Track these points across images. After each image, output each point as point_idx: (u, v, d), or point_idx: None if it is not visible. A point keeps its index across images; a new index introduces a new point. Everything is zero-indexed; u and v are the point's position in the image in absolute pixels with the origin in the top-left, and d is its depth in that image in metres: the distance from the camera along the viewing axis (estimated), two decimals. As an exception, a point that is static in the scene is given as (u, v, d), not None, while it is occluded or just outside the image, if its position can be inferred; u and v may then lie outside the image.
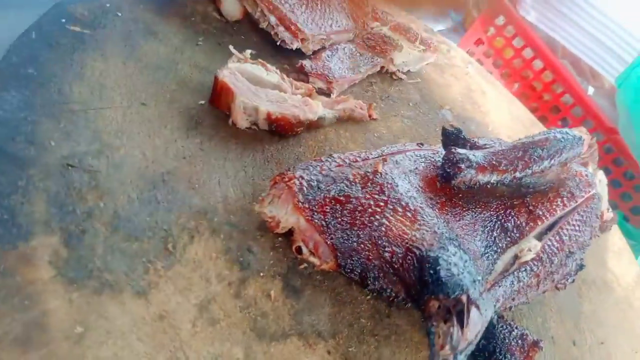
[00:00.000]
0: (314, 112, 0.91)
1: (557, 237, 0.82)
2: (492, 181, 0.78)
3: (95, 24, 0.88)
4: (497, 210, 0.80)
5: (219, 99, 0.87)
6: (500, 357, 0.72)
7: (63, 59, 0.81)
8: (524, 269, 0.78)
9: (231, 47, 0.91)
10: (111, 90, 0.81)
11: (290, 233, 0.75)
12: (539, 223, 0.80)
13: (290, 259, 0.75)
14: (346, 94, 1.05)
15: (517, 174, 0.80)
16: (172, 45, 0.94)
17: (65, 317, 0.58)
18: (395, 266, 0.70)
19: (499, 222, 0.79)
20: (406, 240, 0.70)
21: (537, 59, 1.75)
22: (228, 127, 0.86)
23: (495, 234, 0.78)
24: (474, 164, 0.76)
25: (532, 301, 0.85)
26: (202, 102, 0.88)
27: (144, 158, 0.76)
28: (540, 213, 0.81)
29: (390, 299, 0.74)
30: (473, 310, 0.63)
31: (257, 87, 0.89)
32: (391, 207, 0.73)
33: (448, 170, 0.76)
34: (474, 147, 0.85)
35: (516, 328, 0.75)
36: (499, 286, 0.75)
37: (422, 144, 0.90)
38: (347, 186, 0.74)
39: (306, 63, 1.02)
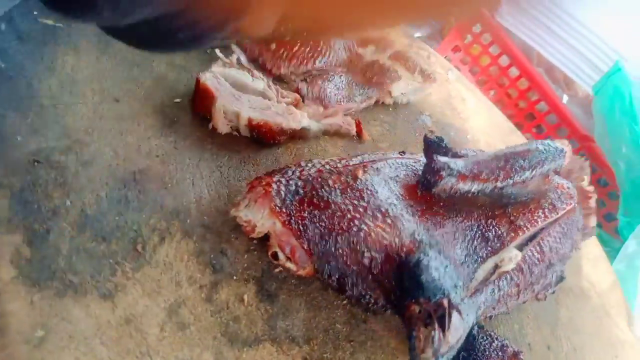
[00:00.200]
0: (298, 122, 0.88)
1: (538, 248, 0.81)
2: (473, 190, 0.77)
3: (68, 17, 0.86)
4: (478, 219, 0.79)
5: (199, 103, 0.84)
6: (481, 369, 0.71)
7: (33, 52, 0.78)
8: (504, 278, 0.77)
9: (217, 51, 0.89)
10: (83, 86, 0.78)
11: (266, 237, 0.73)
12: (520, 233, 0.80)
13: (265, 262, 0.73)
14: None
15: (499, 184, 0.79)
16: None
17: (25, 319, 0.55)
18: (375, 272, 0.69)
19: (479, 232, 0.78)
20: (385, 246, 0.69)
21: (513, 67, 1.76)
22: (204, 127, 0.84)
23: (475, 243, 0.77)
24: (455, 172, 0.75)
25: (511, 311, 0.84)
26: (178, 100, 0.85)
27: (115, 156, 0.73)
28: (522, 224, 0.80)
29: (369, 305, 0.73)
30: (454, 314, 0.62)
31: (240, 93, 0.86)
32: (371, 213, 0.71)
33: (429, 177, 0.75)
34: (455, 155, 0.85)
35: (496, 339, 0.74)
36: (480, 293, 0.75)
37: (403, 152, 0.89)
38: (326, 192, 0.72)
39: (302, 87, 0.98)
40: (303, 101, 0.94)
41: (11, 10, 0.81)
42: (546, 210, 0.83)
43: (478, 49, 1.82)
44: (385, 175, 0.78)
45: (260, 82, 0.90)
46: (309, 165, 0.76)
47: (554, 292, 0.88)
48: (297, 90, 0.96)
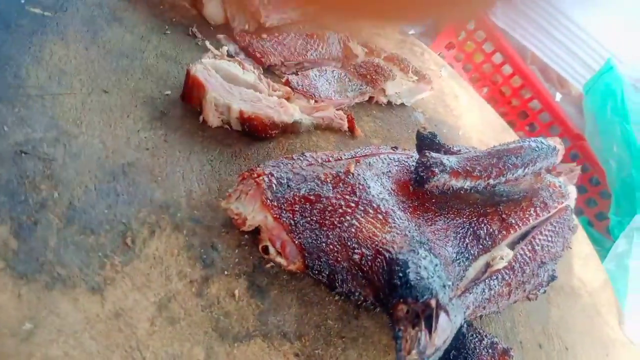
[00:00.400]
0: (290, 115, 0.87)
1: (530, 247, 0.81)
2: (465, 187, 0.77)
3: (57, 6, 0.84)
4: (470, 217, 0.79)
5: (190, 95, 0.83)
6: (472, 367, 0.71)
7: (21, 42, 0.77)
8: (495, 277, 0.77)
9: (207, 43, 0.88)
10: (71, 76, 0.77)
11: (257, 231, 0.72)
12: (512, 232, 0.79)
13: (256, 257, 0.72)
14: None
15: (491, 181, 0.79)
16: (138, 33, 0.90)
17: (13, 312, 0.54)
18: (364, 269, 0.68)
19: (471, 229, 0.78)
20: (376, 243, 0.68)
21: (506, 64, 1.76)
22: (195, 120, 0.83)
23: (467, 240, 0.77)
24: (448, 169, 0.75)
25: (502, 310, 0.83)
26: (168, 92, 0.84)
27: (104, 148, 0.72)
28: (513, 222, 0.80)
29: (359, 302, 0.72)
30: (442, 315, 0.61)
31: (231, 85, 0.85)
32: (362, 208, 0.70)
33: (421, 173, 0.74)
34: (448, 152, 0.84)
35: (486, 337, 0.73)
36: (470, 293, 0.74)
37: (396, 148, 0.88)
38: (318, 185, 0.71)
39: (292, 78, 0.97)
40: (293, 94, 0.93)
41: (-2, -1, 0.79)
42: (538, 208, 0.83)
43: (472, 46, 1.82)
44: (377, 170, 0.77)
45: (251, 74, 0.89)
46: (301, 158, 0.75)
47: (545, 292, 0.87)
48: (287, 83, 0.95)
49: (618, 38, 1.67)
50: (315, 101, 0.96)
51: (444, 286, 0.64)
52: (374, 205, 0.71)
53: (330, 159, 0.78)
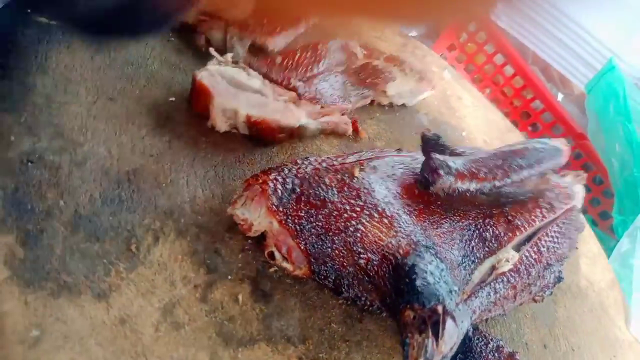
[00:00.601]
0: (296, 119, 0.88)
1: (535, 249, 0.81)
2: (471, 189, 0.77)
3: (62, 15, 0.85)
4: (476, 219, 0.79)
5: (197, 101, 0.83)
6: (478, 371, 0.71)
7: (27, 51, 0.77)
8: (500, 280, 0.77)
9: (212, 50, 0.89)
10: (77, 84, 0.78)
11: (261, 236, 0.72)
12: (518, 233, 0.79)
13: (260, 262, 0.72)
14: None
15: (497, 183, 0.79)
16: (142, 40, 0.91)
17: (20, 320, 0.55)
18: (371, 274, 0.68)
19: (477, 232, 0.78)
20: (382, 247, 0.68)
21: (508, 65, 1.75)
22: (198, 126, 0.83)
23: (473, 243, 0.77)
24: (453, 171, 0.75)
25: (508, 313, 0.84)
26: (172, 99, 0.85)
27: (109, 155, 0.73)
28: (519, 223, 0.80)
29: (365, 307, 0.72)
30: (449, 321, 0.61)
31: (237, 90, 0.85)
32: (367, 212, 0.71)
33: (427, 176, 0.74)
34: (453, 154, 0.84)
35: (492, 340, 0.73)
36: (476, 297, 0.74)
37: (400, 150, 0.88)
38: (323, 190, 0.72)
39: (299, 85, 0.97)
40: (299, 100, 0.94)
41: (3, 8, 0.80)
42: (544, 209, 0.83)
43: (473, 48, 1.82)
44: (382, 173, 0.77)
45: (256, 80, 0.89)
46: (306, 162, 0.75)
47: (551, 293, 0.87)
48: (294, 89, 0.95)
49: (620, 37, 1.67)
50: (322, 107, 0.97)
51: (451, 292, 0.64)
52: (379, 209, 0.71)
53: (335, 162, 0.78)
